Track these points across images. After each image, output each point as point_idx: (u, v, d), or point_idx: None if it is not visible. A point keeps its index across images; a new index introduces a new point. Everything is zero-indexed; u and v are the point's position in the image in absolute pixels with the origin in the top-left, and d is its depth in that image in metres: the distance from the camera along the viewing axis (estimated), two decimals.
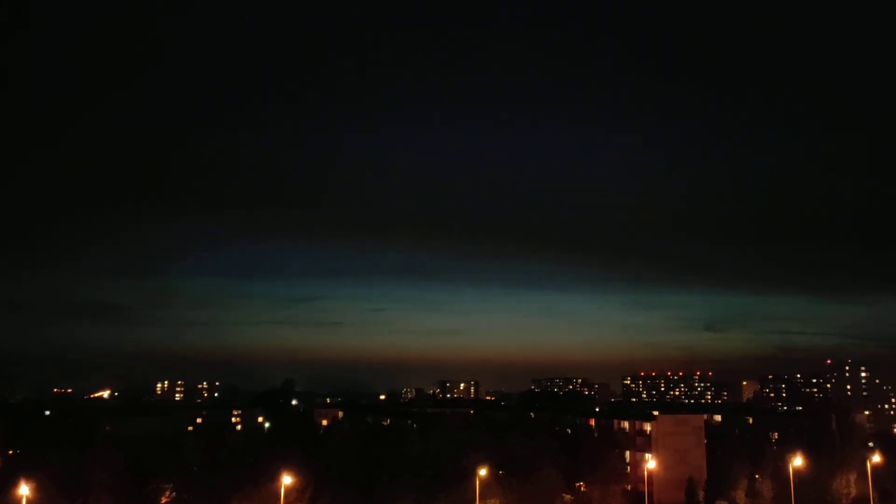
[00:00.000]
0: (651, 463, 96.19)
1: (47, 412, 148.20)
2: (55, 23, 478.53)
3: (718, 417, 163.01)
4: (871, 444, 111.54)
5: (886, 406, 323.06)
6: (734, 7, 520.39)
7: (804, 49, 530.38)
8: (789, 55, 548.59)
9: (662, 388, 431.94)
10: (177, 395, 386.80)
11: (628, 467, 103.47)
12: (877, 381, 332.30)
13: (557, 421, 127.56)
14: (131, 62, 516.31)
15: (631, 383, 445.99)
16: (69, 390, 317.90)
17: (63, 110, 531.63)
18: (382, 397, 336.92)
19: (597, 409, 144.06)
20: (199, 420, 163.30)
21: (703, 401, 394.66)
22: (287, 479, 74.04)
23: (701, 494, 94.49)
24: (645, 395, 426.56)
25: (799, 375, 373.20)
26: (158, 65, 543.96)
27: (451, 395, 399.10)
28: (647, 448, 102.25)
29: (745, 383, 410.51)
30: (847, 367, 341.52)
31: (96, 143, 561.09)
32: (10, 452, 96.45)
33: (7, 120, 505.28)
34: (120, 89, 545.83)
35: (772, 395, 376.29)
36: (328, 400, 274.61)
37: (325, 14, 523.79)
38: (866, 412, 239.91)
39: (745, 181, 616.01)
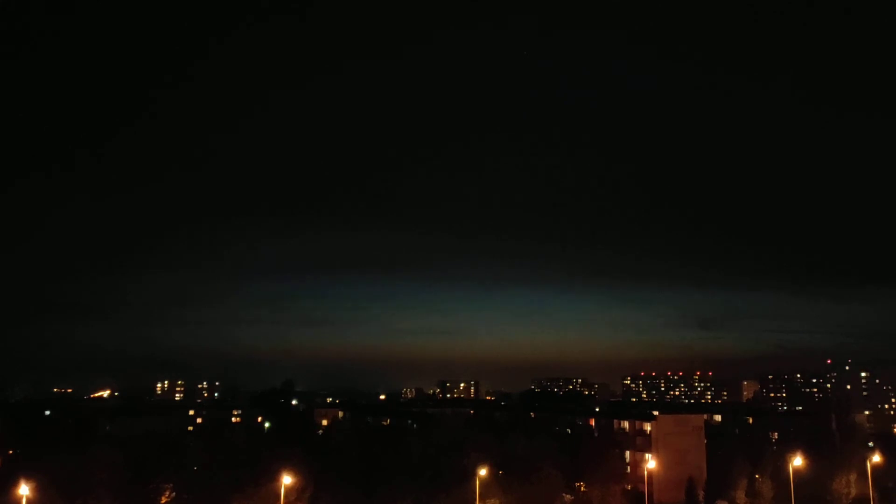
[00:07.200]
0: (651, 463, 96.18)
1: (47, 412, 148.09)
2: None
3: (718, 417, 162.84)
4: (871, 444, 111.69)
5: (886, 406, 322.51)
6: None
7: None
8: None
9: (662, 388, 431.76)
10: (177, 395, 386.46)
11: (628, 467, 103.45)
12: (877, 381, 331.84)
13: (557, 421, 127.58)
14: None
15: (631, 383, 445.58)
16: (69, 390, 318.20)
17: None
18: (382, 397, 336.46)
19: (597, 409, 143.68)
20: (199, 420, 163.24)
21: (703, 401, 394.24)
22: (287, 479, 74.07)
23: (701, 494, 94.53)
24: (645, 395, 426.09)
25: (799, 375, 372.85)
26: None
27: (451, 395, 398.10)
28: (647, 448, 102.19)
29: (745, 383, 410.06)
30: (847, 367, 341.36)
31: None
32: (10, 452, 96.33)
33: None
34: None
35: (772, 395, 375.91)
36: (328, 400, 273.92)
37: None
38: (866, 412, 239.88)
39: (744, 180, 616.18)
